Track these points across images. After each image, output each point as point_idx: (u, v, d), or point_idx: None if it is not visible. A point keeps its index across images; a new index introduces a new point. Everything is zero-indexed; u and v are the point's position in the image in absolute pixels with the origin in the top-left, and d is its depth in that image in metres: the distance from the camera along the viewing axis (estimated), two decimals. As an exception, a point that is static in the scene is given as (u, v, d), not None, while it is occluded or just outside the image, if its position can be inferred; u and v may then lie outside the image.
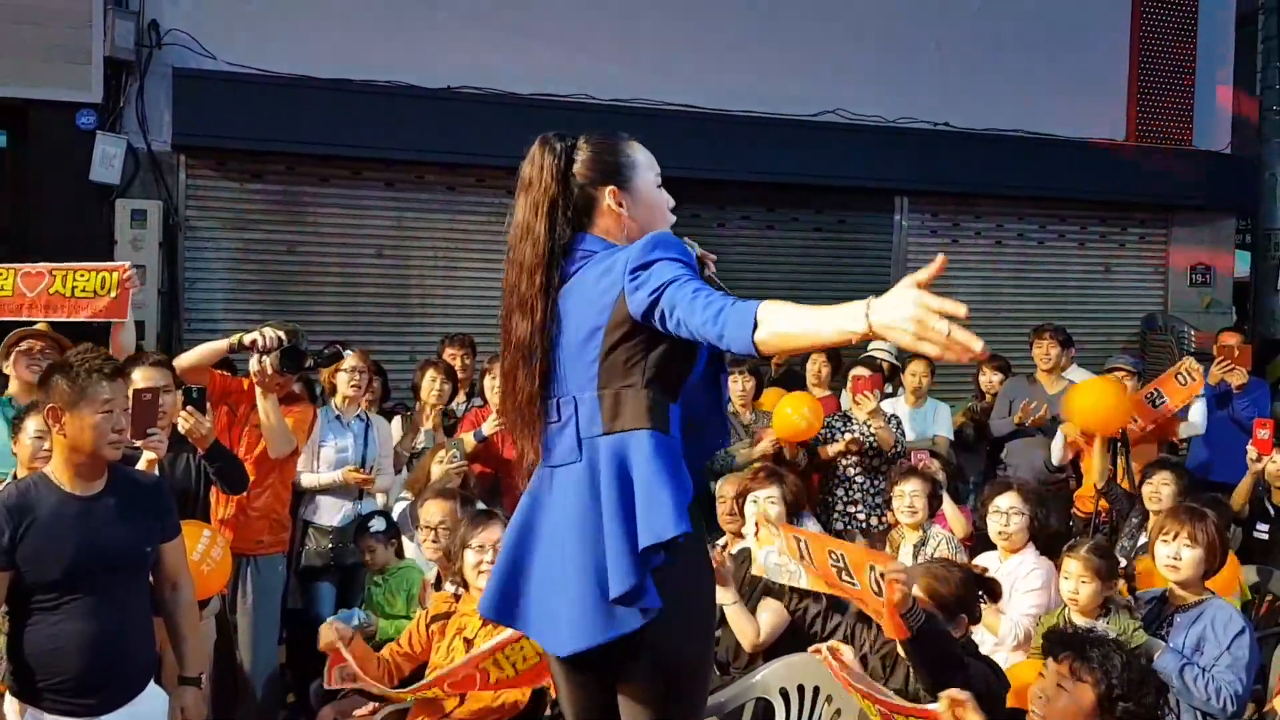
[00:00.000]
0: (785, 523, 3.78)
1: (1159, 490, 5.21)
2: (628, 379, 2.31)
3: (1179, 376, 6.31)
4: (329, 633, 3.80)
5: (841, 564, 3.27)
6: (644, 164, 2.49)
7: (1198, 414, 6.56)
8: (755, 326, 2.08)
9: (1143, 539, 5.20)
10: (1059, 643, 3.15)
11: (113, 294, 4.61)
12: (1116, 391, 5.93)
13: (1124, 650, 3.08)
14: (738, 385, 6.19)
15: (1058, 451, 6.40)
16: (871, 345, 7.70)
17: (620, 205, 2.43)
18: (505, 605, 2.44)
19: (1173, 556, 3.90)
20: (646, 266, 2.22)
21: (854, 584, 3.36)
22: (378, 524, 5.16)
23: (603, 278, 2.31)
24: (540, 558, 2.40)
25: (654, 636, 2.29)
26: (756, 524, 3.60)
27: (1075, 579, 3.95)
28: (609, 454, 2.31)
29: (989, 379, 7.47)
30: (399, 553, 5.20)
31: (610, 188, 2.43)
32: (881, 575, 3.19)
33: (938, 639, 3.25)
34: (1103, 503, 5.76)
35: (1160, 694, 3.17)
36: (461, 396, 6.49)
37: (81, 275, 4.62)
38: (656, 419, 2.31)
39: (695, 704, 2.47)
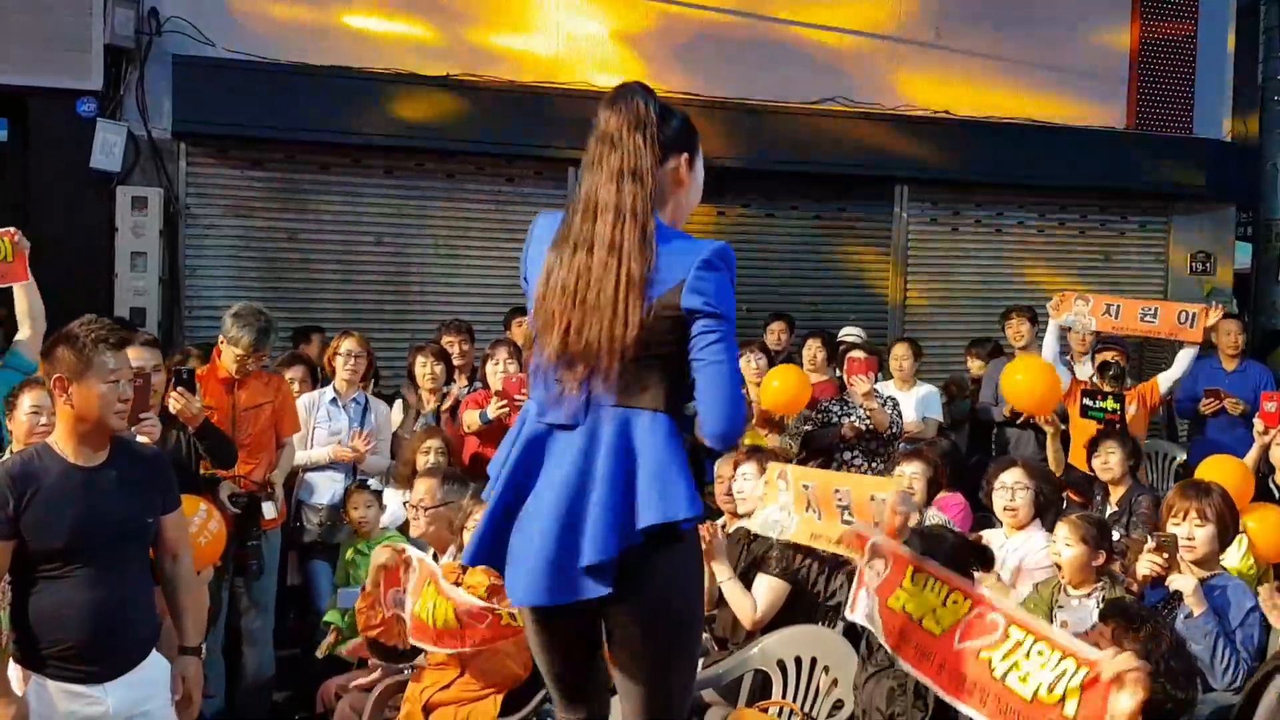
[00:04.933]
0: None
1: (1106, 459, 5.37)
2: (654, 359, 2.35)
3: (1181, 315, 6.32)
4: (383, 553, 3.77)
5: (847, 502, 3.26)
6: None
7: (1183, 360, 6.54)
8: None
9: (1109, 510, 5.27)
10: (1112, 610, 3.16)
11: (8, 259, 4.55)
12: (1047, 371, 6.02)
13: (1174, 637, 3.08)
14: (750, 364, 6.25)
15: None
16: (843, 331, 7.77)
17: (686, 175, 2.48)
18: (492, 553, 2.48)
19: (1186, 537, 3.91)
20: (713, 269, 2.32)
21: (852, 521, 3.35)
22: (374, 484, 5.31)
23: (671, 258, 2.35)
24: (527, 510, 2.43)
25: (661, 603, 2.38)
26: (766, 481, 3.59)
27: (1060, 541, 3.98)
28: (615, 426, 2.35)
29: (978, 365, 7.56)
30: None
31: (686, 155, 2.48)
32: (884, 501, 3.19)
33: (930, 546, 3.21)
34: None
35: (1190, 691, 3.14)
36: (463, 381, 6.51)
37: None
38: (673, 405, 2.37)
39: (690, 667, 2.54)
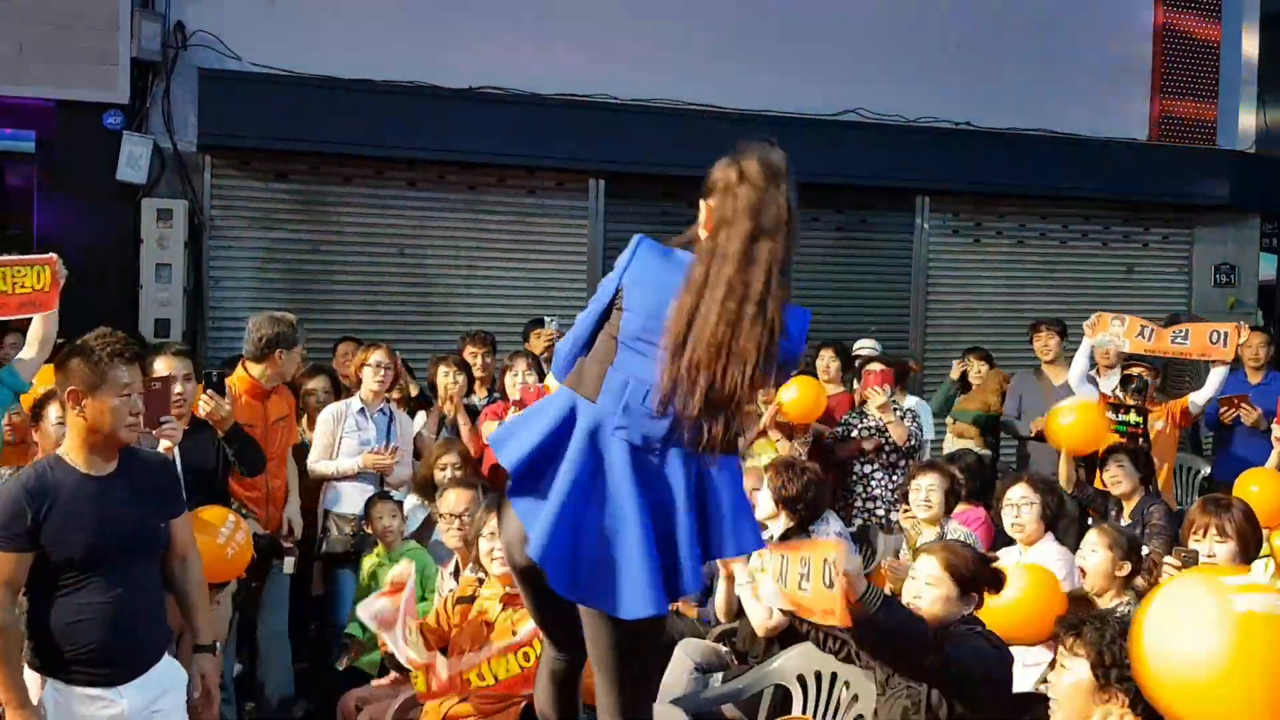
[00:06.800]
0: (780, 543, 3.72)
1: (1115, 474, 5.36)
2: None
3: (1213, 335, 6.26)
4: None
5: (806, 570, 3.14)
6: None
7: (1214, 379, 6.41)
8: None
9: (1123, 524, 5.18)
10: (1061, 625, 3.14)
11: (46, 288, 4.39)
12: (1096, 412, 5.86)
13: (1121, 622, 3.06)
14: None
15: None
16: (859, 344, 7.73)
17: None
18: (574, 572, 2.51)
19: (1207, 554, 3.88)
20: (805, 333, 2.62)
21: (806, 591, 3.23)
22: (397, 494, 5.35)
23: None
24: (605, 521, 2.51)
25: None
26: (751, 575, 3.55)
27: (1087, 546, 3.97)
28: (704, 462, 2.53)
29: (976, 369, 7.54)
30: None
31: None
32: (834, 564, 3.09)
33: (897, 617, 3.15)
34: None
35: None
36: (483, 393, 6.53)
37: (19, 271, 4.34)
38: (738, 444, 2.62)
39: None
